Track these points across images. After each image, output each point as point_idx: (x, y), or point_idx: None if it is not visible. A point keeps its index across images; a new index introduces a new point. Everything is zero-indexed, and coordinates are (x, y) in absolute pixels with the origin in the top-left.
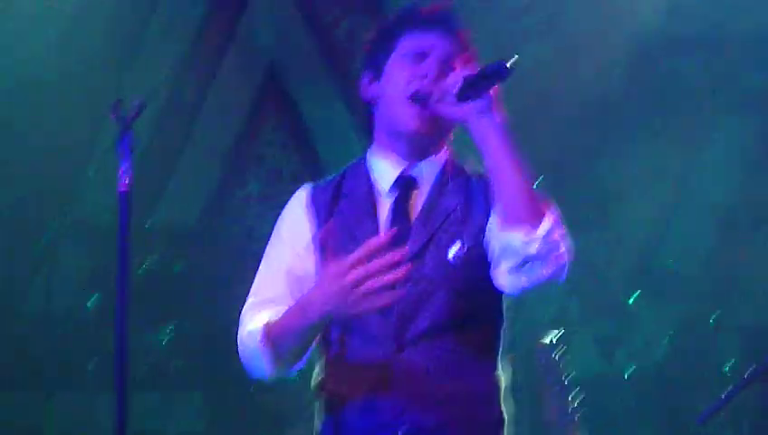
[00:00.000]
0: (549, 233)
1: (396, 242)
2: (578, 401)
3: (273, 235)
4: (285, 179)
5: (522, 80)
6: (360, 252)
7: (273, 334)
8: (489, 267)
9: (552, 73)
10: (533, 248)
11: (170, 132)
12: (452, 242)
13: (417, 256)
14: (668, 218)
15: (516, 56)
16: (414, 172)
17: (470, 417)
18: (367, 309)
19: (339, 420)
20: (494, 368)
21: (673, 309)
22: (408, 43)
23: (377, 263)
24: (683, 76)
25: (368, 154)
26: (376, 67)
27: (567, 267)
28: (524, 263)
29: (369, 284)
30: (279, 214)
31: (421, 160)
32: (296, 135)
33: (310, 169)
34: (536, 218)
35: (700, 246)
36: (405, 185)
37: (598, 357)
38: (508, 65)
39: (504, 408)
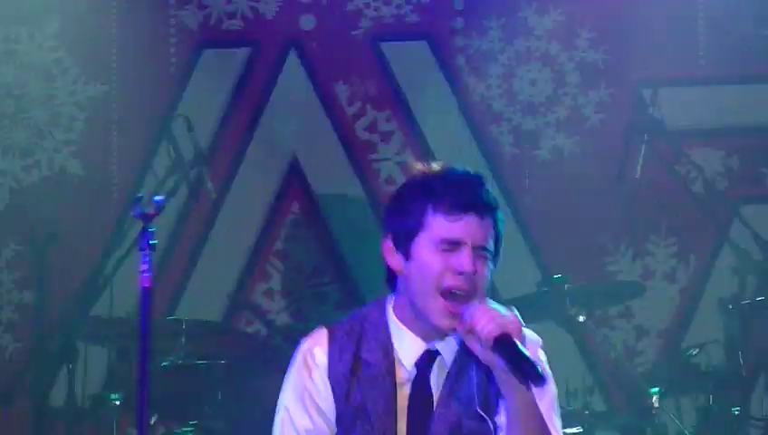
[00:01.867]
0: None
1: (416, 424)
2: None
3: (290, 389)
4: (306, 274)
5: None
6: None
7: None
8: None
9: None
10: None
11: (191, 228)
12: (475, 428)
13: None
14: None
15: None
16: (438, 347)
17: None
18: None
19: None
20: None
21: (696, 400)
22: (440, 229)
23: None
24: None
25: (388, 315)
26: (402, 240)
27: None
28: None
29: None
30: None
31: (447, 336)
32: (317, 230)
33: (331, 263)
34: None
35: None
36: (428, 360)
37: None
38: (540, 375)
39: None
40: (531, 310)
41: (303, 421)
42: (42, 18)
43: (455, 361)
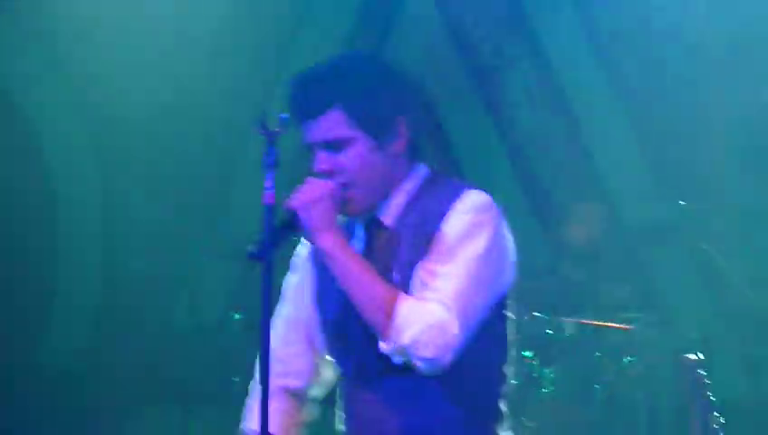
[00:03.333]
0: (400, 337)
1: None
2: (722, 421)
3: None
4: None
5: None
6: None
7: None
8: None
9: None
10: (397, 359)
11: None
12: (400, 278)
13: None
14: None
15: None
16: (379, 213)
17: None
18: None
19: None
20: (478, 396)
21: None
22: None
23: None
24: None
25: None
26: None
27: (451, 345)
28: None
29: None
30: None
31: (385, 200)
32: (444, 157)
33: None
34: (384, 329)
35: None
36: (371, 228)
37: (744, 377)
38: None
39: (499, 432)
40: (655, 234)
41: (282, 311)
42: None
43: (394, 221)
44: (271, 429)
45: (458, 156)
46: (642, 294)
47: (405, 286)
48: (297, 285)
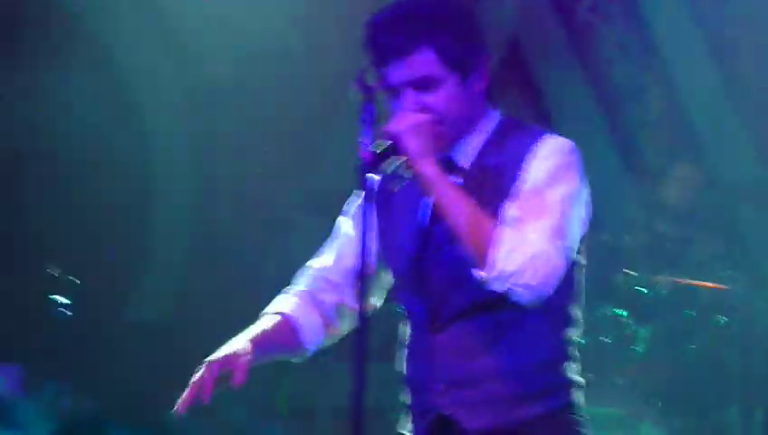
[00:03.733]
0: (504, 266)
1: (433, 227)
2: None
3: None
4: None
5: None
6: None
7: None
8: None
9: None
10: (498, 286)
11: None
12: None
13: (452, 239)
14: None
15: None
16: (453, 154)
17: (516, 390)
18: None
19: (405, 402)
20: (555, 335)
21: None
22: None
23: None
24: None
25: None
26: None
27: (554, 276)
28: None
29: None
30: None
31: (458, 141)
32: (538, 113)
33: None
34: (484, 257)
35: None
36: (444, 168)
37: None
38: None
39: (569, 375)
40: (752, 192)
41: (346, 230)
42: None
43: (471, 164)
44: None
45: (550, 109)
46: (737, 253)
47: None
48: (349, 230)
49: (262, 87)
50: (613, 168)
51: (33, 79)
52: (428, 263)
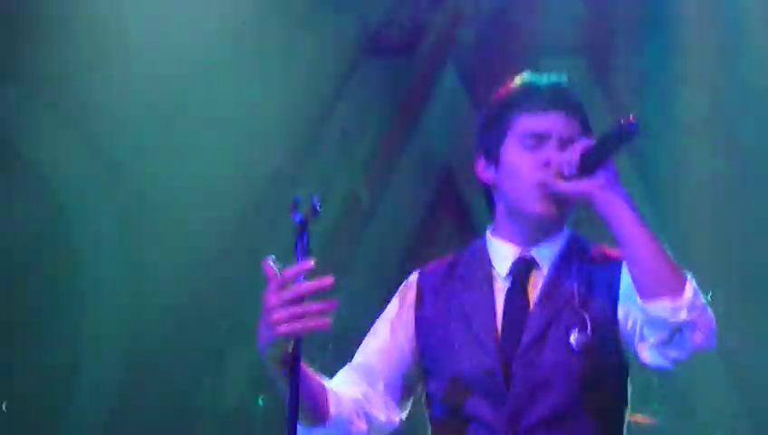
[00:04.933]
0: (695, 297)
1: (512, 325)
2: None
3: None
4: None
5: None
6: (275, 282)
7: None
8: (615, 355)
9: None
10: (683, 315)
11: (344, 234)
12: (574, 326)
13: (536, 342)
14: None
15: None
16: (534, 254)
17: None
18: (277, 335)
19: None
20: None
21: None
22: (525, 124)
23: (292, 290)
24: None
25: (486, 237)
26: (491, 150)
27: (715, 334)
28: (675, 332)
29: (284, 312)
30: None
31: (542, 243)
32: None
33: None
34: (679, 285)
35: None
36: (524, 267)
37: None
38: (631, 122)
39: None
40: None
41: (382, 331)
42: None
43: (552, 266)
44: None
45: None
46: (665, 385)
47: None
48: (400, 310)
49: (199, 216)
50: None
51: None
52: (517, 364)
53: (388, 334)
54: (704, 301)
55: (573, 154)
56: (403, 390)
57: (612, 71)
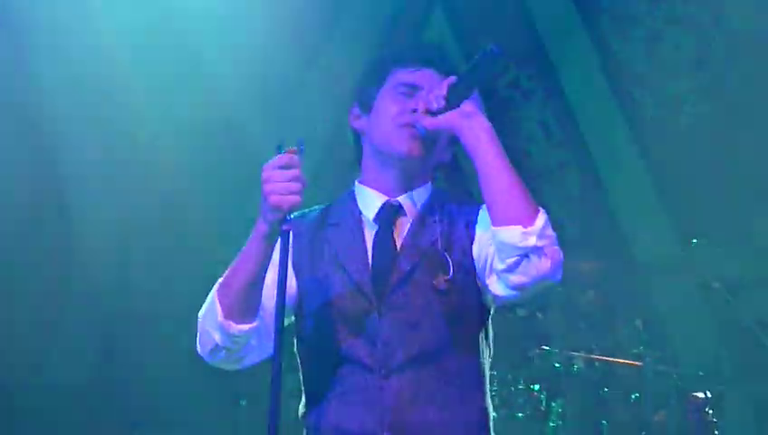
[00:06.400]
0: (545, 227)
1: (381, 268)
2: None
3: None
4: None
5: None
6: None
7: (225, 278)
8: (475, 294)
9: None
10: (532, 240)
11: (338, 162)
12: (438, 269)
13: (402, 283)
14: None
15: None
16: (401, 200)
17: None
18: (277, 202)
19: None
20: (484, 394)
21: None
22: (399, 77)
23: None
24: None
25: (355, 185)
26: (365, 100)
27: (562, 265)
28: (523, 257)
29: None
30: None
31: (407, 191)
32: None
33: None
34: (531, 213)
35: None
36: (390, 213)
37: (753, 420)
38: (492, 48)
39: (492, 433)
40: (666, 272)
41: (269, 275)
42: None
43: (417, 213)
44: None
45: (470, 187)
46: (650, 331)
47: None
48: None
49: (184, 161)
50: None
51: None
52: (386, 305)
53: (270, 278)
54: (553, 233)
55: (442, 88)
56: None
57: (600, 12)
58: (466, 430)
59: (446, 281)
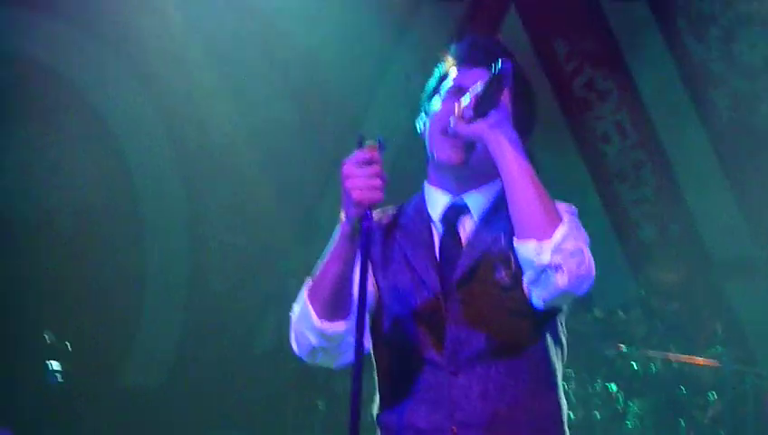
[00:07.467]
0: (562, 241)
1: (447, 267)
2: None
3: None
4: None
5: None
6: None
7: (314, 279)
8: None
9: None
10: (546, 256)
11: (409, 167)
12: (501, 266)
13: (467, 280)
14: None
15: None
16: (465, 201)
17: None
18: (359, 198)
19: None
20: (556, 390)
21: None
22: (451, 78)
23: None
24: None
25: (425, 186)
26: (425, 101)
27: (589, 279)
28: (540, 273)
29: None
30: None
31: (472, 190)
32: None
33: None
34: (549, 228)
35: None
36: (455, 212)
37: None
38: (502, 66)
39: (567, 430)
40: (744, 272)
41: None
42: None
43: (483, 212)
44: None
45: (545, 184)
46: (728, 330)
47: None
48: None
49: (257, 159)
50: (608, 244)
51: (30, 148)
52: (451, 301)
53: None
54: (576, 247)
55: (472, 98)
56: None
57: (675, 12)
58: (538, 425)
59: (509, 277)
